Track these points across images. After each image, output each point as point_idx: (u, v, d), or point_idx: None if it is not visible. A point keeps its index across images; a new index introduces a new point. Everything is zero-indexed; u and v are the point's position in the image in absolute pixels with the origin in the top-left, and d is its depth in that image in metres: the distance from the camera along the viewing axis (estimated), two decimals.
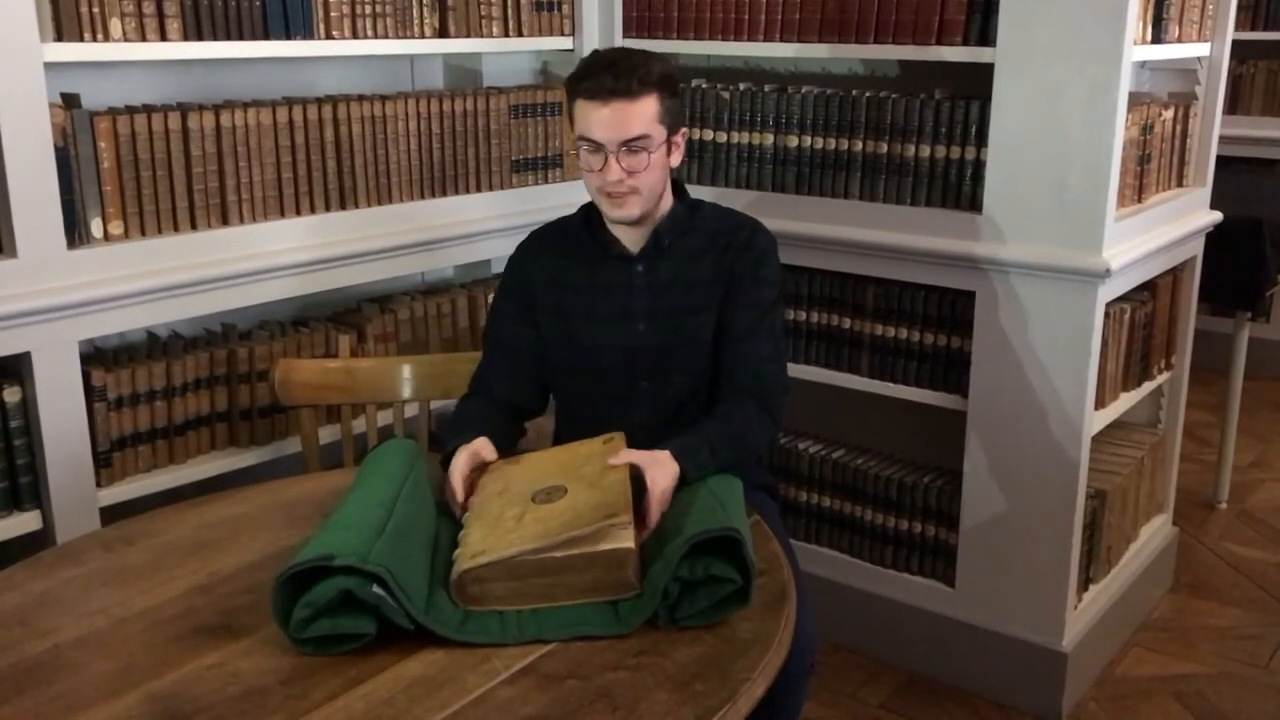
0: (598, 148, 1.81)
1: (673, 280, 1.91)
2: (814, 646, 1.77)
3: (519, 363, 1.96)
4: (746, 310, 1.90)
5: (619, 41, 2.84)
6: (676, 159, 1.90)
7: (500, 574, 1.40)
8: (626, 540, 1.40)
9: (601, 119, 1.79)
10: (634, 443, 1.78)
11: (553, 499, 1.52)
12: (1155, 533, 2.96)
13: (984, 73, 2.37)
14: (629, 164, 1.80)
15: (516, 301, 1.98)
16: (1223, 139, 2.90)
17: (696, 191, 2.41)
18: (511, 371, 1.96)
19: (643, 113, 1.79)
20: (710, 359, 1.91)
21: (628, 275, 1.92)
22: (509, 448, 1.84)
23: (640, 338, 1.90)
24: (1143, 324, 2.63)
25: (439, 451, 2.38)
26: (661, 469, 1.60)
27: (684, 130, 1.91)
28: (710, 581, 1.38)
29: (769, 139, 2.66)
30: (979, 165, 2.40)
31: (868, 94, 2.53)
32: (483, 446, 1.74)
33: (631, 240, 1.93)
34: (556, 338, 1.94)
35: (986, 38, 2.35)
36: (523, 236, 2.03)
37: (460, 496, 1.64)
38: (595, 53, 1.86)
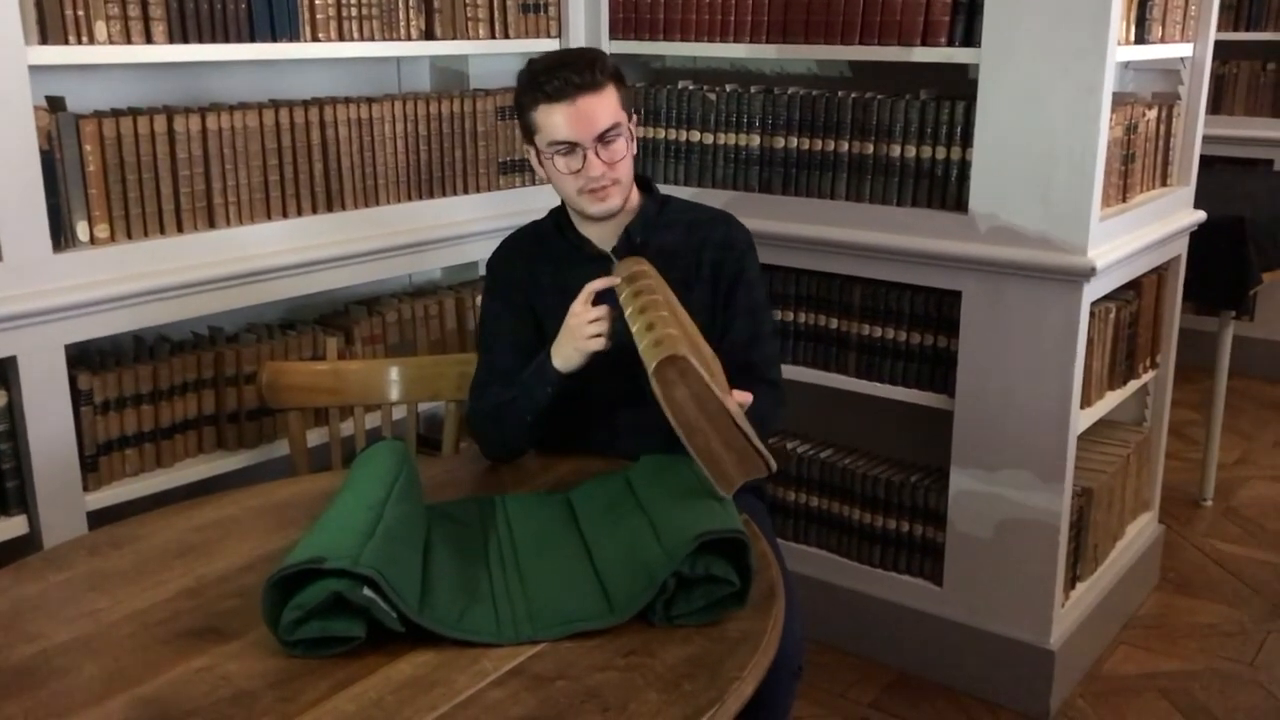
0: (572, 148, 1.81)
1: None
2: (801, 649, 1.77)
3: (524, 350, 1.91)
4: (745, 315, 1.91)
5: (605, 44, 2.84)
6: (634, 147, 1.91)
7: (695, 385, 1.51)
8: (755, 473, 1.57)
9: (572, 117, 1.79)
10: (622, 443, 1.78)
11: None
12: (1141, 530, 2.98)
13: (969, 73, 2.39)
14: (607, 155, 1.81)
15: (505, 296, 1.97)
16: (1206, 139, 2.92)
17: (683, 193, 2.42)
18: (518, 359, 1.90)
19: (609, 102, 1.82)
20: None
21: (601, 275, 1.91)
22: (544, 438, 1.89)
23: (617, 337, 1.88)
24: (1128, 323, 2.64)
25: (428, 453, 2.39)
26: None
27: (635, 118, 1.93)
28: (708, 581, 1.38)
29: (755, 140, 2.67)
30: (964, 165, 2.41)
31: (853, 95, 2.54)
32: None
33: (602, 239, 1.93)
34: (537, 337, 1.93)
35: (971, 38, 2.37)
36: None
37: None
38: (538, 59, 1.85)
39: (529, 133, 1.87)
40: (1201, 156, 2.88)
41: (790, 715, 1.79)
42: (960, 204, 2.43)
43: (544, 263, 1.95)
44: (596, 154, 1.80)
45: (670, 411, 1.52)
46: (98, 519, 2.05)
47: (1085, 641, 2.65)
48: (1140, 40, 2.44)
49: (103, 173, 2.07)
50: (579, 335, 1.76)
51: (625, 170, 1.85)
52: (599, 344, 1.76)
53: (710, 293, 1.91)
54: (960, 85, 2.47)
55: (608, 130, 1.80)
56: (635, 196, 1.94)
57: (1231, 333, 3.48)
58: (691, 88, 2.77)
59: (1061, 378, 2.35)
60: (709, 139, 2.73)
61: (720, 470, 1.55)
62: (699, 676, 1.28)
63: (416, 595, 1.35)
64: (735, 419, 1.54)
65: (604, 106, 1.80)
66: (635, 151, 1.92)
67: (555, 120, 1.80)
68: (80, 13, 1.98)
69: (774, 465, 1.58)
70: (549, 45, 2.81)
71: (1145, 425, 2.97)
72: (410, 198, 2.56)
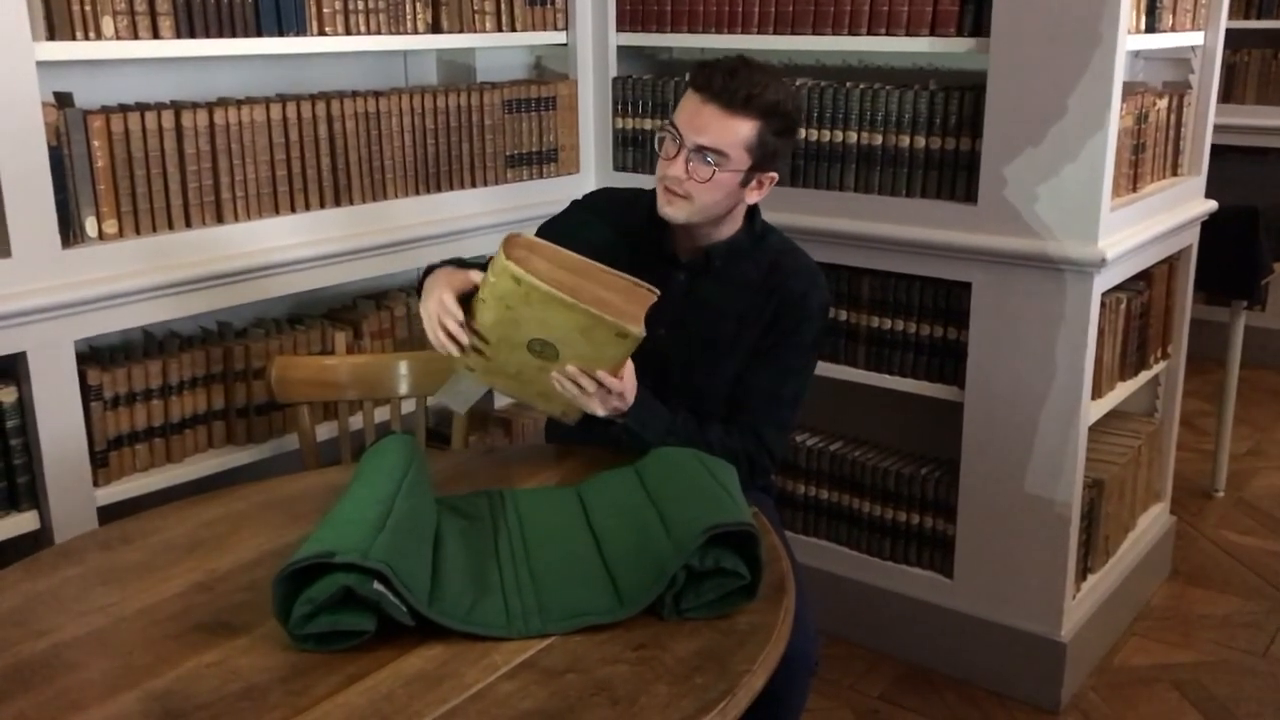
0: (676, 137, 1.79)
1: (711, 304, 1.89)
2: (816, 644, 1.77)
3: None
4: (772, 368, 1.88)
5: (612, 35, 2.84)
6: (754, 197, 1.85)
7: (547, 254, 1.63)
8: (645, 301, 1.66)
9: (692, 114, 1.77)
10: (630, 436, 1.77)
11: (544, 354, 1.68)
12: (1153, 522, 2.97)
13: (978, 63, 2.37)
14: (694, 170, 1.77)
15: (563, 232, 1.95)
16: (1217, 128, 2.90)
17: None
18: None
19: (730, 130, 1.75)
20: (716, 387, 1.90)
21: (668, 280, 1.85)
22: None
23: (657, 343, 1.81)
24: (1139, 313, 2.63)
25: (437, 446, 2.39)
26: (626, 390, 1.71)
27: (773, 176, 1.85)
28: (718, 574, 1.38)
29: None
30: (974, 156, 2.40)
31: (861, 86, 2.53)
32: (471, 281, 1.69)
33: (685, 249, 1.90)
34: None
35: (980, 28, 2.35)
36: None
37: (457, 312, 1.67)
38: (735, 56, 1.82)
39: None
40: (1213, 146, 2.87)
41: (803, 711, 1.79)
42: (969, 195, 2.42)
43: (625, 237, 1.92)
44: (685, 157, 1.77)
45: (541, 284, 1.57)
46: (108, 514, 2.06)
47: (1097, 633, 2.64)
48: (1150, 29, 2.43)
49: (111, 168, 2.07)
50: (430, 306, 1.69)
51: (705, 197, 1.79)
52: (428, 329, 1.70)
53: (760, 335, 1.89)
54: (969, 75, 2.46)
55: (707, 148, 1.76)
56: (732, 228, 1.89)
57: (1243, 323, 3.47)
58: None
59: (1072, 369, 2.34)
60: None
61: (616, 310, 1.62)
62: (709, 669, 1.28)
63: (426, 589, 1.35)
64: (598, 265, 1.65)
65: (721, 128, 1.75)
66: (751, 200, 1.85)
67: (683, 103, 1.80)
68: (87, 8, 1.98)
69: (655, 290, 1.66)
70: (555, 38, 2.80)
71: (1156, 416, 2.96)
72: (418, 192, 2.55)
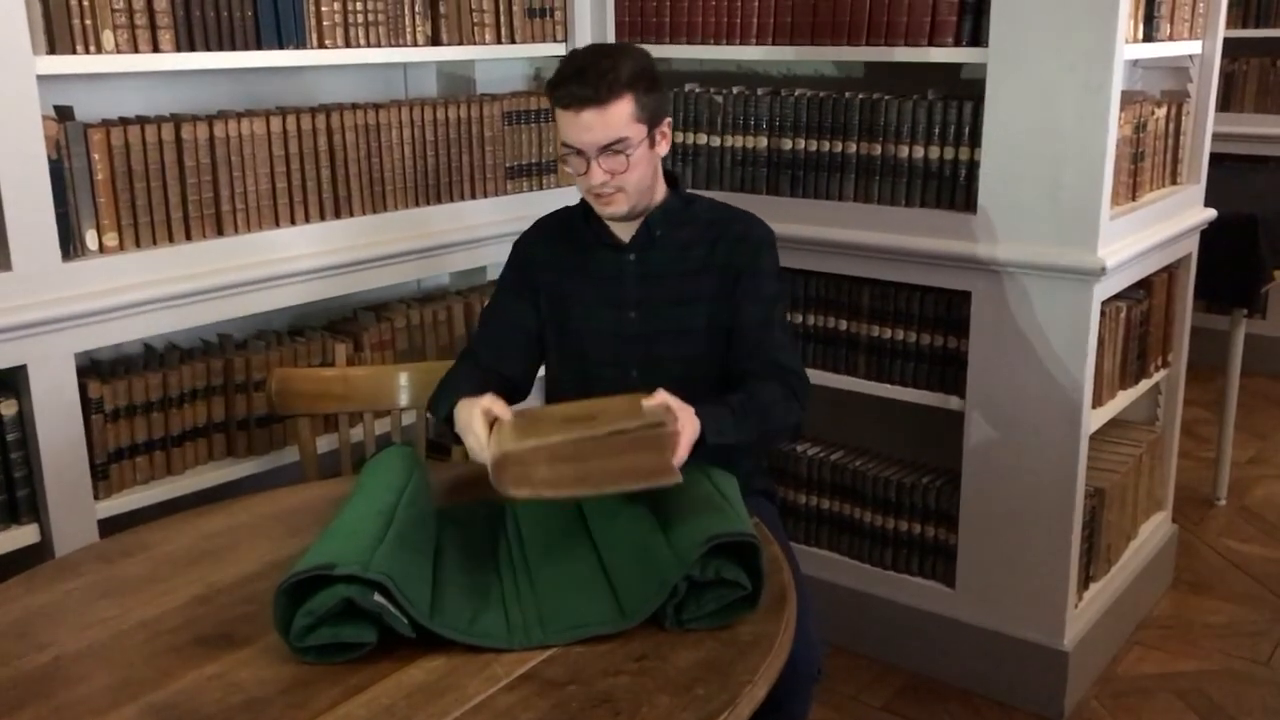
0: (579, 152, 1.82)
1: (664, 270, 1.92)
2: (819, 653, 1.76)
3: (509, 335, 1.97)
4: (753, 303, 1.91)
5: None
6: (664, 148, 1.91)
7: (542, 457, 1.47)
8: (671, 426, 1.51)
9: (577, 127, 1.80)
10: None
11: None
12: (1155, 530, 2.97)
13: (977, 73, 2.38)
14: (609, 166, 1.81)
15: (518, 278, 2.00)
16: (1216, 136, 2.91)
17: None
18: (501, 343, 1.97)
19: (616, 117, 1.80)
20: (703, 350, 1.91)
21: (619, 264, 1.93)
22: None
23: (630, 326, 1.91)
24: (1139, 322, 2.63)
25: (437, 458, 2.39)
26: (689, 418, 1.60)
27: (668, 120, 1.91)
28: (719, 584, 1.38)
29: (762, 142, 2.67)
30: (973, 165, 2.40)
31: (861, 96, 2.53)
32: (492, 401, 1.66)
33: (623, 231, 1.94)
34: (552, 320, 1.97)
35: (978, 38, 2.36)
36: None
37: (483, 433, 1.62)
38: (569, 55, 1.87)
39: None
40: (1211, 154, 2.87)
41: None
42: (969, 204, 2.42)
43: (568, 244, 1.98)
44: (599, 164, 1.81)
45: (556, 492, 1.49)
46: (108, 527, 2.05)
47: (1099, 642, 2.63)
48: (1148, 38, 2.43)
49: (111, 181, 2.07)
50: (471, 429, 1.65)
51: (633, 179, 1.84)
52: (471, 449, 1.68)
53: (718, 282, 1.91)
54: (968, 85, 2.47)
55: (611, 144, 1.80)
56: (661, 192, 1.95)
57: (1243, 331, 3.47)
58: (698, 90, 2.76)
59: (1073, 377, 2.34)
60: (716, 141, 2.73)
61: (647, 470, 1.48)
62: (711, 680, 1.28)
63: (427, 600, 1.35)
64: (592, 431, 1.48)
65: (608, 121, 1.79)
66: (663, 152, 1.91)
67: (564, 124, 1.83)
68: (88, 22, 1.99)
69: (666, 423, 1.51)
70: (555, 50, 2.81)
71: (1157, 424, 2.96)
72: (418, 203, 2.56)
